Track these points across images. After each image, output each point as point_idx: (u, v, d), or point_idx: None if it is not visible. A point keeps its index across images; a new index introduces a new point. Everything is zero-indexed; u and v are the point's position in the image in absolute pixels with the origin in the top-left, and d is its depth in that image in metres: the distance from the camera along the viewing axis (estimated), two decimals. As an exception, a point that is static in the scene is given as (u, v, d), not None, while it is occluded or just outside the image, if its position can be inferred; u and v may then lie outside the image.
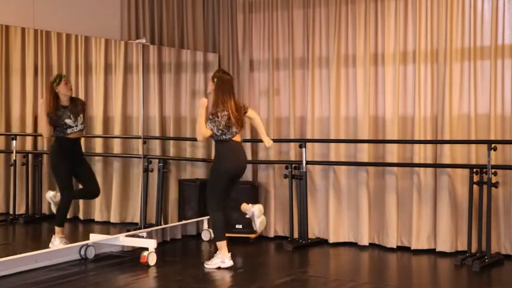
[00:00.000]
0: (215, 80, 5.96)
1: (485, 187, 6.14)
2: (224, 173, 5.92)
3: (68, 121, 5.87)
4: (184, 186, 7.30)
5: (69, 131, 5.89)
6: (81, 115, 5.97)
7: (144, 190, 6.68)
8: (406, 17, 6.80)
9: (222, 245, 5.95)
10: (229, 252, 5.98)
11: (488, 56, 6.42)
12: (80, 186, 6.28)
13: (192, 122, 7.45)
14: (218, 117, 5.84)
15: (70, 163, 5.97)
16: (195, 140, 7.43)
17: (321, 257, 6.67)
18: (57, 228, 5.91)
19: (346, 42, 7.10)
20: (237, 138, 5.99)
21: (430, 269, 6.17)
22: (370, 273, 6.15)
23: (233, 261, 5.98)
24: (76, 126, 5.92)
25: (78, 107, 6.00)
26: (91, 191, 6.27)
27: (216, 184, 5.99)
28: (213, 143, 6.06)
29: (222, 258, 5.94)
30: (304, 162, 7.02)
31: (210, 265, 5.96)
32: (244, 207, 6.15)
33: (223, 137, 5.90)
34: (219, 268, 5.90)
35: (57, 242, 5.84)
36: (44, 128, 5.80)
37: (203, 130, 5.84)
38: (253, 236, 7.20)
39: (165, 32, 7.19)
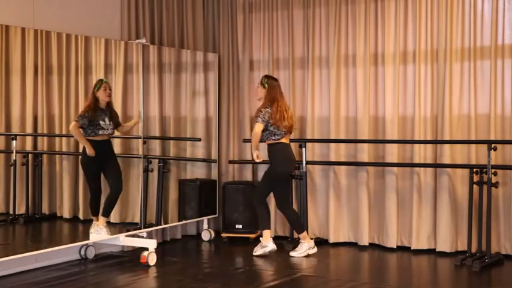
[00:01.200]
0: (266, 85, 6.43)
1: (485, 187, 6.14)
2: (280, 173, 6.47)
3: (101, 123, 6.16)
4: (184, 186, 7.30)
5: (100, 132, 6.18)
6: (112, 121, 6.29)
7: (144, 190, 6.68)
8: (406, 17, 6.80)
9: (266, 233, 6.47)
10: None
11: (488, 56, 6.42)
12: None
13: (192, 122, 7.46)
14: (271, 116, 6.31)
15: (98, 162, 6.22)
16: (195, 140, 7.46)
17: (321, 257, 6.66)
18: (101, 218, 6.28)
19: (346, 42, 7.10)
20: (286, 139, 6.47)
21: (430, 269, 6.17)
22: (370, 273, 6.15)
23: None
24: (107, 129, 6.23)
25: (113, 113, 6.32)
26: (112, 189, 6.39)
27: (273, 183, 6.49)
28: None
29: (263, 244, 6.45)
30: (304, 162, 7.02)
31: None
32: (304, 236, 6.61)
33: (275, 137, 6.37)
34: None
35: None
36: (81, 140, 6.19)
37: (258, 133, 6.32)
38: (253, 236, 7.19)
39: (165, 32, 7.18)
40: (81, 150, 6.25)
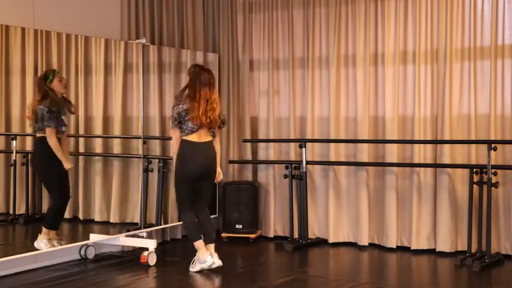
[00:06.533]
0: (191, 75, 5.71)
1: (485, 187, 6.14)
2: (182, 174, 5.72)
3: (64, 118, 5.76)
4: (184, 186, 7.29)
5: (63, 128, 5.75)
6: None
7: (144, 190, 6.69)
8: (406, 17, 6.80)
9: (198, 245, 5.74)
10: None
11: (488, 56, 6.43)
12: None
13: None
14: (179, 109, 5.62)
15: (60, 164, 5.71)
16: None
17: (321, 257, 6.67)
18: (44, 229, 5.74)
19: (346, 42, 7.10)
20: (197, 136, 5.65)
21: (430, 269, 6.18)
22: (370, 273, 6.15)
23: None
24: (66, 125, 5.79)
25: (67, 105, 5.85)
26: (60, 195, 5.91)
27: (179, 185, 5.82)
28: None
29: (201, 259, 5.74)
30: (304, 162, 7.02)
31: (194, 268, 5.78)
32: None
33: (182, 134, 5.65)
34: (201, 271, 5.73)
35: (43, 244, 5.68)
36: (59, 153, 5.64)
37: (173, 143, 5.74)
38: (253, 236, 7.19)
39: (165, 32, 7.18)
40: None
